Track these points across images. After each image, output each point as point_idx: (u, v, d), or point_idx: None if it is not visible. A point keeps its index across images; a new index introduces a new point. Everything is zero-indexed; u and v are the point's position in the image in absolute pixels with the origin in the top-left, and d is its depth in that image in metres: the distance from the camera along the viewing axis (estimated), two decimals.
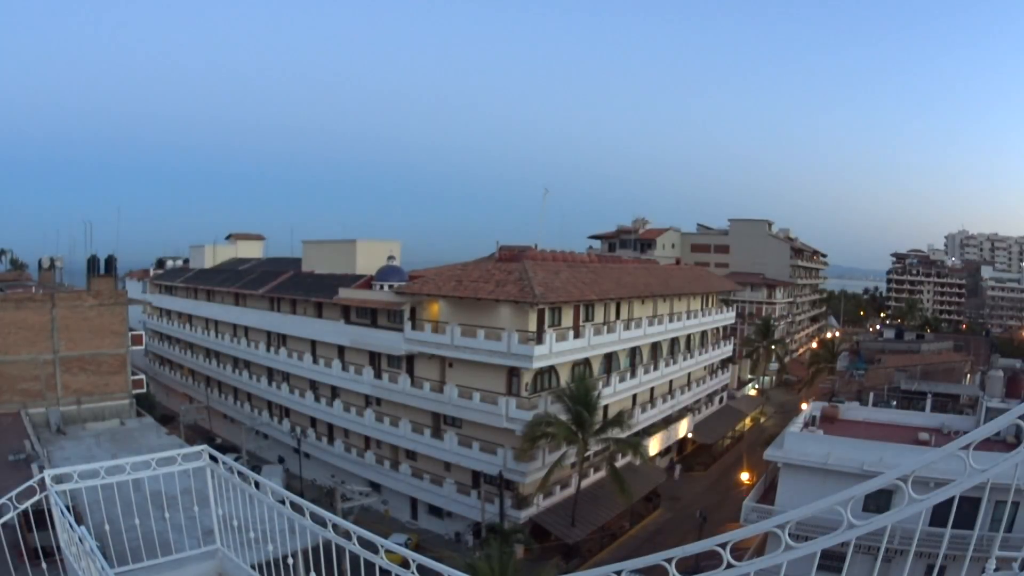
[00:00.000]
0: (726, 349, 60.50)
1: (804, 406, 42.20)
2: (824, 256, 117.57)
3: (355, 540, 5.09)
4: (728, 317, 60.33)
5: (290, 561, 6.45)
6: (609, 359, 41.88)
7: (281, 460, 47.32)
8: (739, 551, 3.67)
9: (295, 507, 5.81)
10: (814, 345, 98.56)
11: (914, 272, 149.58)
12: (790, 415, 45.57)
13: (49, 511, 6.61)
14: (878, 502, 4.88)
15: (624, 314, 43.65)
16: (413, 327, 38.53)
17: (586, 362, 39.41)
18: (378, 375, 41.12)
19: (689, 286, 53.90)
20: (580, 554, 34.74)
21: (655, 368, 45.91)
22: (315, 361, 45.52)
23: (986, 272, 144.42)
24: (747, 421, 62.29)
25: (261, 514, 6.50)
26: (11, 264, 69.14)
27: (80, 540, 5.75)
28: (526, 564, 30.56)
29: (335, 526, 5.30)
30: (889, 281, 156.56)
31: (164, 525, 7.66)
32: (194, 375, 61.10)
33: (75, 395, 32.94)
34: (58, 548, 6.63)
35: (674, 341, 50.18)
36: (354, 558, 5.14)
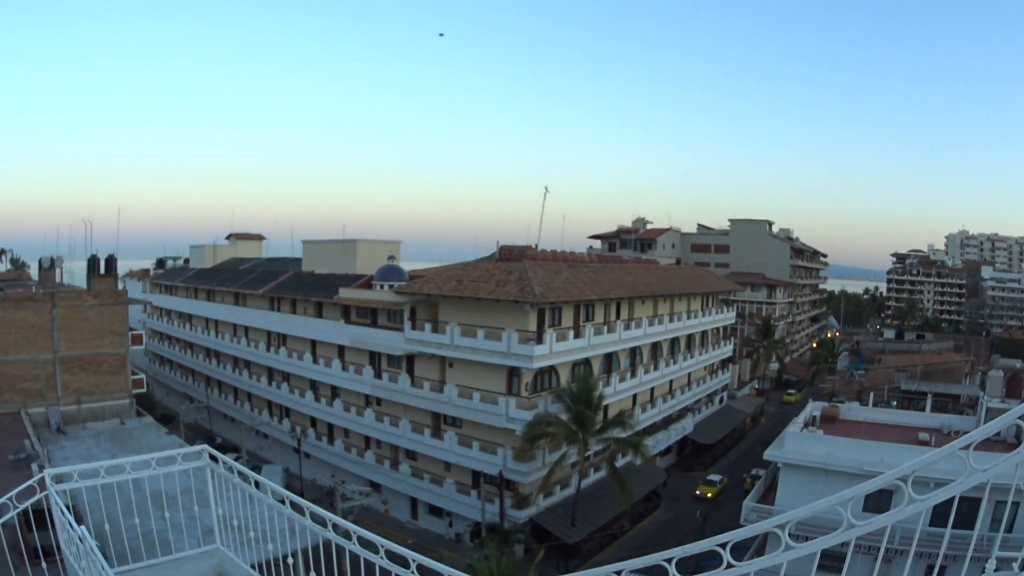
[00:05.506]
0: (726, 349, 60.56)
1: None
2: (824, 256, 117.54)
3: (355, 540, 5.09)
4: (728, 317, 60.34)
5: (290, 561, 6.45)
6: (609, 359, 41.84)
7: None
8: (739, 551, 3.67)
9: (295, 507, 5.81)
10: (814, 345, 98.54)
11: (914, 272, 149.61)
12: (790, 415, 45.55)
13: (49, 511, 6.60)
14: (878, 502, 4.87)
15: (624, 314, 43.61)
16: (413, 327, 38.52)
17: (586, 362, 39.38)
18: (378, 375, 41.11)
19: (689, 286, 53.86)
20: (580, 554, 34.72)
21: (655, 368, 45.90)
22: (315, 361, 45.51)
23: (986, 272, 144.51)
24: (747, 421, 62.30)
25: (261, 514, 6.50)
26: (12, 264, 69.18)
27: (80, 540, 5.73)
28: (525, 564, 30.51)
29: (335, 526, 5.30)
30: (889, 281, 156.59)
31: (164, 525, 7.67)
32: (194, 375, 61.11)
33: (75, 395, 32.97)
34: (58, 548, 6.61)
35: (674, 341, 50.17)
36: (354, 558, 5.14)
